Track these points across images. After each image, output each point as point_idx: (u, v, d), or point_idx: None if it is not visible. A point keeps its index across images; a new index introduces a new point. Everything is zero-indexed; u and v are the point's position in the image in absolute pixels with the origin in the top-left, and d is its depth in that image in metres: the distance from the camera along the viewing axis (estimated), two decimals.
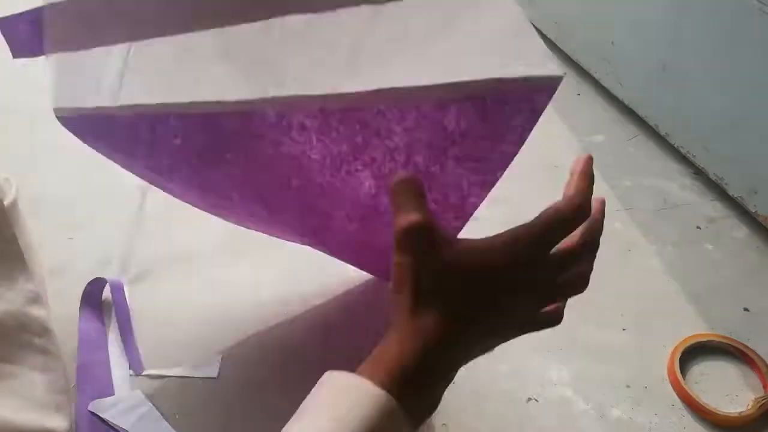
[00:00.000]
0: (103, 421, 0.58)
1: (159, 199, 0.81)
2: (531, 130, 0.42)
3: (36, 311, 0.58)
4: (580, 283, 0.42)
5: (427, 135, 0.43)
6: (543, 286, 0.40)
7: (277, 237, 0.64)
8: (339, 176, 0.48)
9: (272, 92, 0.44)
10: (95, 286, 0.69)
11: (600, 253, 0.72)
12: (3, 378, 0.51)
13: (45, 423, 0.50)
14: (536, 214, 0.38)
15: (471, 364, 0.62)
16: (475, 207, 0.47)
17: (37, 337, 0.57)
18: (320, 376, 0.62)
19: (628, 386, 0.60)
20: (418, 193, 0.37)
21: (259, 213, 0.54)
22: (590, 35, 0.91)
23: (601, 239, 0.74)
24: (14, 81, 1.05)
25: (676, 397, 0.59)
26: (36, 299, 0.59)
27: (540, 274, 0.39)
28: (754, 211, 0.72)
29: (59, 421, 0.52)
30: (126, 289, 0.70)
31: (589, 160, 0.42)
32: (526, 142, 0.41)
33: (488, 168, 0.44)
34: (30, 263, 0.61)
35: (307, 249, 0.64)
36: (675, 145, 0.82)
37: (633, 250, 0.72)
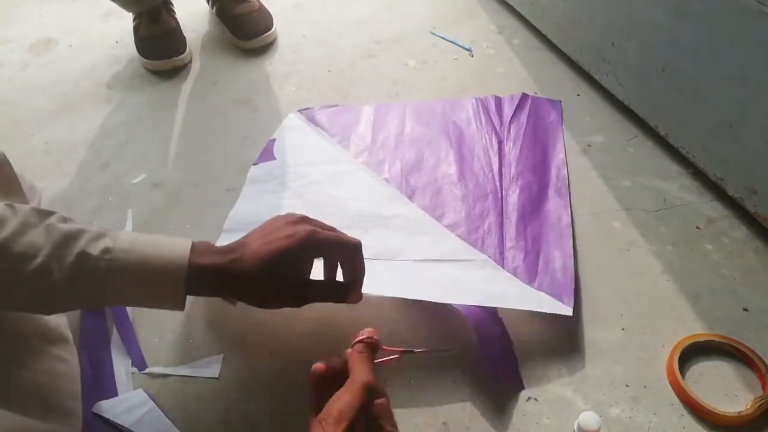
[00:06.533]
0: (106, 421, 0.58)
1: (158, 198, 0.82)
2: None
3: (54, 319, 0.59)
4: None
5: None
6: None
7: None
8: None
9: None
10: None
11: (599, 253, 0.72)
12: (21, 383, 0.52)
13: (58, 428, 0.51)
14: None
15: (471, 363, 0.63)
16: None
17: (54, 345, 0.58)
18: None
19: (627, 386, 0.60)
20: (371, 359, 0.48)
21: None
22: (590, 36, 0.91)
23: (601, 239, 0.75)
24: (15, 82, 1.06)
25: (675, 396, 0.59)
26: None
27: None
28: (753, 211, 0.72)
29: (71, 426, 0.53)
30: None
31: None
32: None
33: None
34: None
35: None
36: (674, 146, 0.82)
37: (632, 250, 0.72)
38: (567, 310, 0.64)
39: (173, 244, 0.51)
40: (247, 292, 0.54)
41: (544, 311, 0.64)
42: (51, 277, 0.46)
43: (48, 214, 0.49)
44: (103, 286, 0.49)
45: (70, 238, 0.48)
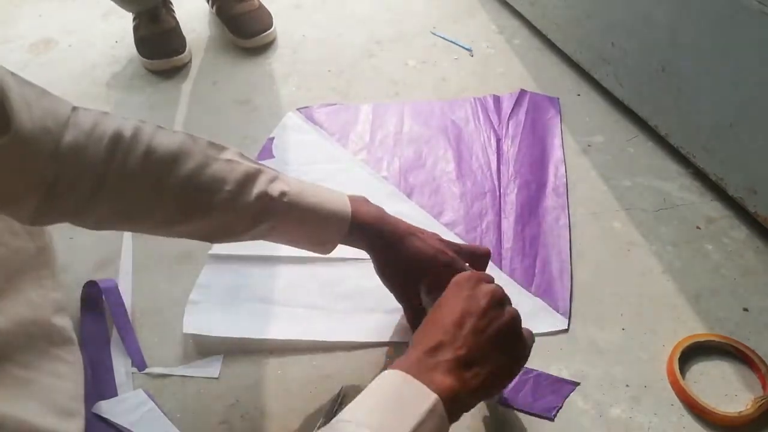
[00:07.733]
0: (106, 421, 0.58)
1: None
2: None
3: (59, 321, 0.60)
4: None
5: None
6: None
7: None
8: None
9: None
10: (94, 287, 0.69)
11: (600, 253, 0.72)
12: (25, 384, 0.52)
13: (60, 427, 0.51)
14: None
15: None
16: None
17: (59, 347, 0.58)
18: (319, 378, 0.63)
19: (627, 386, 0.60)
20: None
21: None
22: (590, 36, 0.91)
23: (601, 239, 0.75)
24: None
25: (675, 396, 0.59)
26: (60, 309, 0.60)
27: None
28: (753, 211, 0.72)
29: (74, 426, 0.53)
30: (126, 288, 0.70)
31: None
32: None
33: None
34: (57, 272, 0.61)
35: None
36: (674, 146, 0.82)
37: (632, 250, 0.72)
38: (562, 323, 0.65)
39: (337, 195, 0.56)
40: (388, 253, 0.57)
41: (539, 331, 0.63)
42: (232, 212, 0.50)
43: (222, 147, 0.52)
44: (275, 226, 0.53)
45: (252, 176, 0.51)
